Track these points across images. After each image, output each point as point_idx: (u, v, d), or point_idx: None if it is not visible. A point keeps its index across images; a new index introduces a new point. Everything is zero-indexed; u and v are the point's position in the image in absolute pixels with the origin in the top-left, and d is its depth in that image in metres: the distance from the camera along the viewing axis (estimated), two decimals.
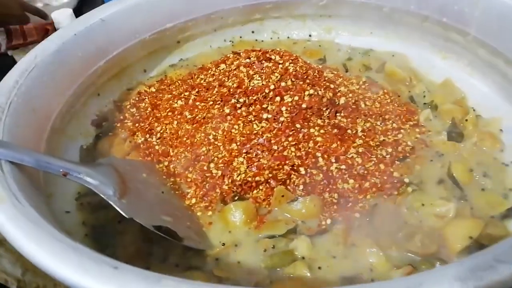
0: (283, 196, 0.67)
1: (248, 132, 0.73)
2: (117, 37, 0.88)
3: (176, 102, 0.83)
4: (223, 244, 0.63)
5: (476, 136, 0.75)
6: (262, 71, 0.79)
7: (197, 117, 0.78)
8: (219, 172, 0.71)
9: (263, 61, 0.80)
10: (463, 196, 0.67)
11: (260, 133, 0.73)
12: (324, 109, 0.75)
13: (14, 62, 1.22)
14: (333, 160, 0.70)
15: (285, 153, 0.71)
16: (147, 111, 0.86)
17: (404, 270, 0.57)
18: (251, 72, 0.80)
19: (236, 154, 0.72)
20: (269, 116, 0.74)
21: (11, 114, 0.61)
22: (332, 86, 0.79)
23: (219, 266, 0.61)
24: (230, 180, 0.70)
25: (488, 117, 0.80)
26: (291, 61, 0.80)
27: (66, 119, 0.78)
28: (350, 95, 0.80)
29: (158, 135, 0.80)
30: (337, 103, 0.77)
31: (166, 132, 0.79)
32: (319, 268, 0.60)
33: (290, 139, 0.72)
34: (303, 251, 0.61)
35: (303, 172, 0.69)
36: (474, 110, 0.82)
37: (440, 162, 0.72)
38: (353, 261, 0.60)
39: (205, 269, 0.61)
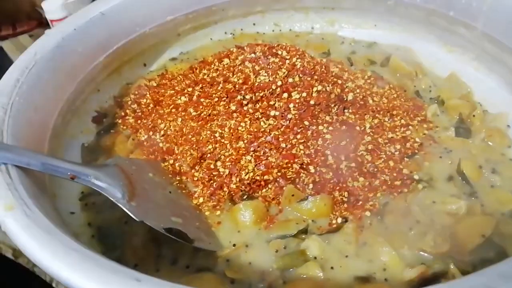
0: (293, 195, 0.66)
1: (255, 129, 0.72)
2: (117, 31, 0.86)
3: (180, 98, 0.81)
4: (234, 245, 0.62)
5: (484, 132, 0.75)
6: (268, 66, 0.77)
7: (202, 114, 0.76)
8: (227, 171, 0.70)
9: (269, 56, 0.79)
10: (473, 193, 0.67)
11: (268, 130, 0.72)
12: (333, 105, 0.74)
13: (2, 52, 1.19)
14: (343, 158, 0.69)
15: (293, 151, 0.70)
16: (149, 108, 0.84)
17: (417, 270, 0.57)
18: (257, 68, 0.78)
19: (244, 152, 0.71)
20: (277, 113, 0.72)
21: (14, 115, 0.59)
22: (339, 81, 0.78)
23: (230, 267, 0.60)
24: (238, 179, 0.69)
25: (495, 112, 0.80)
26: (298, 56, 0.78)
27: (67, 117, 0.76)
28: (358, 90, 0.79)
29: (162, 132, 0.78)
30: (345, 99, 0.76)
31: (170, 130, 0.77)
32: (332, 268, 0.59)
33: (298, 136, 0.71)
34: (315, 251, 0.60)
35: (312, 170, 0.68)
36: (480, 105, 0.82)
37: (449, 158, 0.72)
38: (366, 260, 0.60)
39: (216, 270, 0.60)
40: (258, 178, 0.69)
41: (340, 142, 0.71)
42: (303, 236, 0.63)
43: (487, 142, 0.74)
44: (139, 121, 0.83)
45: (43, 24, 1.58)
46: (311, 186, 0.67)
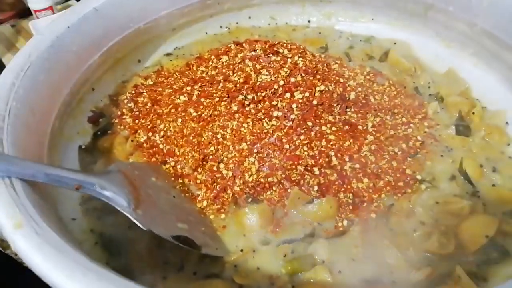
0: (298, 198, 0.66)
1: (258, 130, 0.71)
2: (111, 27, 0.83)
3: (179, 98, 0.79)
4: (241, 250, 0.62)
5: (483, 130, 0.75)
6: (269, 65, 0.76)
7: (203, 115, 0.75)
8: (230, 173, 0.69)
9: (270, 55, 0.78)
10: (475, 192, 0.68)
11: (271, 131, 0.71)
12: (335, 105, 0.74)
13: None
14: (347, 159, 0.69)
15: (297, 152, 0.69)
16: (147, 107, 0.82)
17: (424, 272, 0.57)
18: (258, 66, 0.77)
19: (247, 154, 0.70)
20: (280, 113, 0.72)
21: (12, 121, 0.57)
22: (341, 80, 0.77)
23: (238, 273, 0.60)
24: (241, 181, 0.68)
25: (493, 109, 0.80)
26: (299, 54, 0.77)
27: (64, 119, 0.73)
28: (360, 89, 0.78)
29: (162, 133, 0.77)
30: (348, 98, 0.76)
31: (170, 130, 0.76)
32: (340, 272, 0.60)
33: (302, 137, 0.70)
34: (322, 255, 0.61)
35: (317, 172, 0.68)
36: (479, 101, 0.83)
37: (450, 157, 0.73)
38: (373, 263, 0.60)
39: (224, 276, 0.60)
40: (262, 180, 0.68)
41: (343, 143, 0.70)
42: (310, 239, 0.63)
43: (487, 140, 0.75)
44: (137, 121, 0.81)
45: (26, 14, 1.53)
46: (316, 188, 0.67)
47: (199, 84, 0.80)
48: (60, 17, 0.75)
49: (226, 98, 0.75)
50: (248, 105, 0.73)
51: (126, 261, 0.63)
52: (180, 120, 0.76)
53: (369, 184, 0.68)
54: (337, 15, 1.02)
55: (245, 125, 0.72)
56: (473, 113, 0.78)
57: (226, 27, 1.03)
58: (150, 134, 0.77)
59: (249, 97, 0.74)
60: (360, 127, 0.74)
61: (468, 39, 0.85)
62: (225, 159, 0.71)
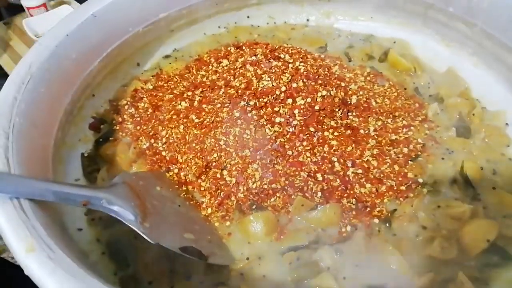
0: (302, 205, 0.67)
1: (260, 137, 0.71)
2: (110, 33, 0.82)
3: (180, 104, 0.79)
4: (247, 258, 0.63)
5: (483, 132, 0.76)
6: (271, 70, 0.76)
7: (205, 121, 0.75)
8: (233, 180, 0.70)
9: (271, 60, 0.77)
10: (476, 195, 0.69)
11: (273, 138, 0.71)
12: (337, 109, 0.74)
13: None
14: (350, 165, 0.70)
15: (300, 158, 0.70)
16: (148, 113, 0.82)
17: (427, 277, 0.59)
18: (259, 72, 0.77)
19: (250, 160, 0.70)
20: (282, 119, 0.72)
21: (16, 138, 0.57)
22: (343, 84, 0.77)
23: (245, 281, 0.61)
24: (245, 188, 0.69)
25: (493, 110, 0.81)
26: (300, 59, 0.77)
27: (65, 128, 0.73)
28: (361, 92, 0.79)
29: (164, 140, 0.77)
30: (349, 102, 0.76)
31: (172, 137, 0.76)
32: (344, 278, 0.61)
33: (304, 143, 0.71)
34: (327, 261, 0.62)
35: (320, 178, 0.69)
36: (478, 101, 0.83)
37: (451, 160, 0.73)
38: (377, 269, 0.61)
39: (231, 284, 0.61)
40: (266, 187, 0.69)
41: (346, 148, 0.71)
42: (315, 246, 0.64)
43: (487, 142, 0.76)
44: (138, 127, 0.81)
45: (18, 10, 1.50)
46: (319, 194, 0.68)
47: (200, 89, 0.80)
48: (58, 24, 0.74)
49: (227, 104, 0.75)
50: (250, 111, 0.73)
51: (134, 270, 0.64)
52: (182, 126, 0.76)
53: (371, 189, 0.69)
54: (336, 14, 1.02)
55: (247, 131, 0.72)
56: (473, 114, 0.79)
57: (224, 27, 1.02)
58: (152, 141, 0.78)
59: (251, 103, 0.74)
60: (362, 131, 0.74)
61: (467, 39, 0.85)
62: (229, 166, 0.71)
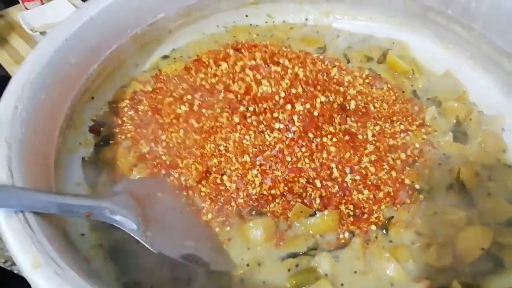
0: (301, 212, 0.68)
1: (260, 143, 0.72)
2: (109, 35, 0.82)
3: (180, 108, 0.79)
4: (248, 265, 0.64)
5: (480, 137, 0.77)
6: (270, 75, 0.77)
7: (204, 126, 0.75)
8: (233, 185, 0.71)
9: (270, 65, 0.77)
10: (471, 202, 0.70)
11: (273, 144, 0.72)
12: (336, 115, 0.75)
13: None
14: (348, 171, 0.71)
15: (299, 164, 0.71)
16: (148, 116, 0.82)
17: (423, 285, 0.60)
18: (258, 77, 0.77)
19: (250, 166, 0.71)
20: (281, 125, 0.73)
21: (18, 148, 0.57)
22: (341, 89, 0.78)
23: (245, 287, 0.62)
24: (245, 194, 0.70)
25: (490, 115, 0.82)
26: (299, 65, 0.77)
27: (66, 133, 0.74)
28: (359, 97, 0.79)
29: (164, 144, 0.77)
30: (348, 107, 0.76)
31: (172, 141, 0.77)
32: (342, 285, 0.62)
33: (303, 149, 0.72)
34: (325, 268, 0.63)
35: (318, 185, 0.70)
36: (475, 105, 0.84)
37: (447, 165, 0.74)
38: (374, 275, 0.63)
39: None
40: (265, 192, 0.70)
41: (344, 154, 0.72)
42: (313, 252, 0.65)
43: (483, 147, 0.77)
44: (138, 130, 0.81)
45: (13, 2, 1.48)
46: (318, 200, 0.69)
47: (199, 93, 0.80)
48: (57, 29, 0.74)
49: (227, 109, 0.76)
50: (250, 116, 0.74)
51: (136, 275, 0.65)
52: (182, 131, 0.76)
53: (369, 196, 0.70)
54: (335, 13, 1.01)
55: (247, 137, 0.73)
56: (470, 119, 0.80)
57: (223, 26, 1.02)
58: (152, 144, 0.78)
59: (251, 108, 0.74)
60: (360, 136, 0.75)
61: (466, 42, 0.86)
62: (228, 171, 0.72)
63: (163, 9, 0.90)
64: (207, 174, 0.73)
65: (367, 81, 0.87)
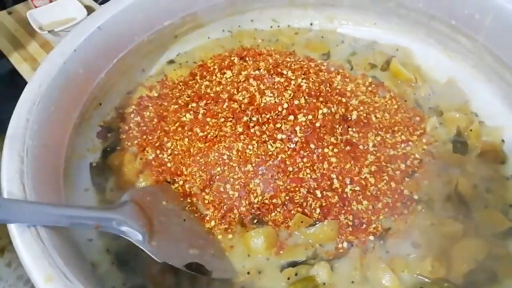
0: (302, 222, 0.70)
1: (263, 153, 0.74)
2: (116, 44, 0.84)
3: (185, 115, 0.81)
4: (248, 273, 0.67)
5: (479, 148, 0.78)
6: (273, 86, 0.78)
7: (209, 135, 0.77)
8: (236, 194, 0.73)
9: (274, 75, 0.79)
10: (469, 213, 0.72)
11: (275, 154, 0.74)
12: (337, 126, 0.76)
13: None
14: (348, 182, 0.73)
15: (300, 175, 0.73)
16: (154, 122, 0.85)
17: None
18: (262, 87, 0.78)
19: (252, 175, 0.73)
20: (283, 136, 0.74)
21: (30, 162, 0.60)
22: (344, 100, 0.79)
23: None
24: (247, 202, 0.72)
25: (491, 125, 0.83)
26: (303, 76, 0.79)
27: (75, 142, 0.76)
28: (362, 107, 0.80)
29: (169, 151, 0.79)
30: (350, 118, 0.78)
31: (177, 149, 0.79)
32: None
33: (305, 160, 0.73)
34: (324, 277, 0.66)
35: (319, 195, 0.72)
36: (476, 115, 0.85)
37: (446, 176, 0.76)
38: (370, 285, 0.65)
39: None
40: (267, 201, 0.72)
41: (345, 165, 0.73)
42: (312, 261, 0.68)
43: (482, 159, 0.78)
44: (144, 137, 0.83)
45: None
46: (318, 210, 0.71)
47: (204, 101, 0.82)
48: (65, 40, 0.76)
49: (231, 118, 0.77)
50: (253, 126, 0.76)
51: (142, 281, 0.68)
52: (187, 139, 0.79)
53: (368, 206, 0.72)
54: (340, 19, 1.02)
55: (250, 147, 0.75)
56: (471, 130, 0.81)
57: (228, 31, 1.03)
58: (158, 151, 0.80)
59: (254, 118, 0.76)
60: (361, 146, 0.77)
61: (469, 52, 0.86)
62: (232, 180, 0.74)
63: (169, 16, 0.91)
64: (211, 182, 0.75)
65: (370, 89, 0.88)
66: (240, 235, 0.71)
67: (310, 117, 0.75)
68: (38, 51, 1.28)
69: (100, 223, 0.58)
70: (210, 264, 0.65)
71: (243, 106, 0.78)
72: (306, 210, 0.71)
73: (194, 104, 0.83)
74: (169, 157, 0.79)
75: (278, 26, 1.05)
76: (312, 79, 0.79)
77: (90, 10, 1.32)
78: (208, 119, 0.79)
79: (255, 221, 0.72)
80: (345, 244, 0.69)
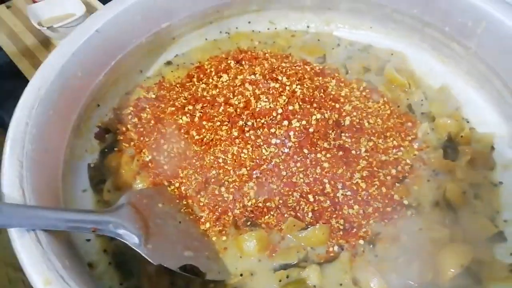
0: (294, 225, 0.72)
1: (257, 157, 0.76)
2: (114, 46, 0.85)
3: (181, 118, 0.83)
4: (241, 275, 0.69)
5: (469, 154, 0.80)
6: (268, 91, 0.79)
7: (205, 139, 0.79)
8: (231, 196, 0.75)
9: (269, 81, 0.80)
10: (456, 219, 0.73)
11: (269, 158, 0.76)
12: (330, 131, 0.78)
13: None
14: (340, 187, 0.74)
15: (293, 179, 0.75)
16: (151, 124, 0.86)
17: None
18: (257, 92, 0.80)
19: (247, 179, 0.75)
20: (277, 141, 0.76)
21: (29, 166, 0.61)
22: (337, 105, 0.81)
23: None
24: (241, 205, 0.74)
25: (481, 132, 0.84)
26: (297, 82, 0.80)
27: (74, 143, 0.77)
28: (355, 113, 0.82)
29: (166, 153, 0.81)
30: (343, 124, 0.80)
31: (174, 152, 0.80)
32: None
33: (298, 164, 0.75)
34: (314, 280, 0.68)
35: (311, 199, 0.73)
36: (468, 122, 0.87)
37: (436, 182, 0.78)
38: None
39: None
40: (260, 205, 0.74)
41: (337, 170, 0.75)
42: (303, 264, 0.70)
43: (472, 165, 0.80)
44: (141, 138, 0.85)
45: None
46: (310, 214, 0.73)
47: (201, 105, 0.83)
48: (63, 43, 0.77)
49: (227, 122, 0.79)
50: (248, 131, 0.77)
51: (138, 281, 0.70)
52: (183, 142, 0.80)
53: (359, 211, 0.73)
54: (336, 22, 1.03)
55: (245, 151, 0.76)
56: (462, 136, 0.82)
57: (226, 32, 1.04)
58: (154, 153, 0.82)
59: (249, 123, 0.78)
60: (353, 152, 0.78)
61: (462, 59, 0.88)
62: (226, 183, 0.76)
63: (167, 18, 0.92)
64: (206, 185, 0.77)
65: (364, 93, 0.89)
66: (234, 237, 0.73)
67: (304, 122, 0.77)
68: (38, 47, 1.29)
69: (97, 226, 0.60)
70: (205, 266, 0.67)
71: (238, 110, 0.79)
72: (298, 214, 0.73)
73: (190, 107, 0.84)
74: (165, 160, 0.81)
75: (275, 28, 1.06)
76: (307, 84, 0.81)
77: (88, 6, 1.33)
78: (204, 123, 0.80)
79: (248, 223, 0.74)
80: (335, 248, 0.71)
